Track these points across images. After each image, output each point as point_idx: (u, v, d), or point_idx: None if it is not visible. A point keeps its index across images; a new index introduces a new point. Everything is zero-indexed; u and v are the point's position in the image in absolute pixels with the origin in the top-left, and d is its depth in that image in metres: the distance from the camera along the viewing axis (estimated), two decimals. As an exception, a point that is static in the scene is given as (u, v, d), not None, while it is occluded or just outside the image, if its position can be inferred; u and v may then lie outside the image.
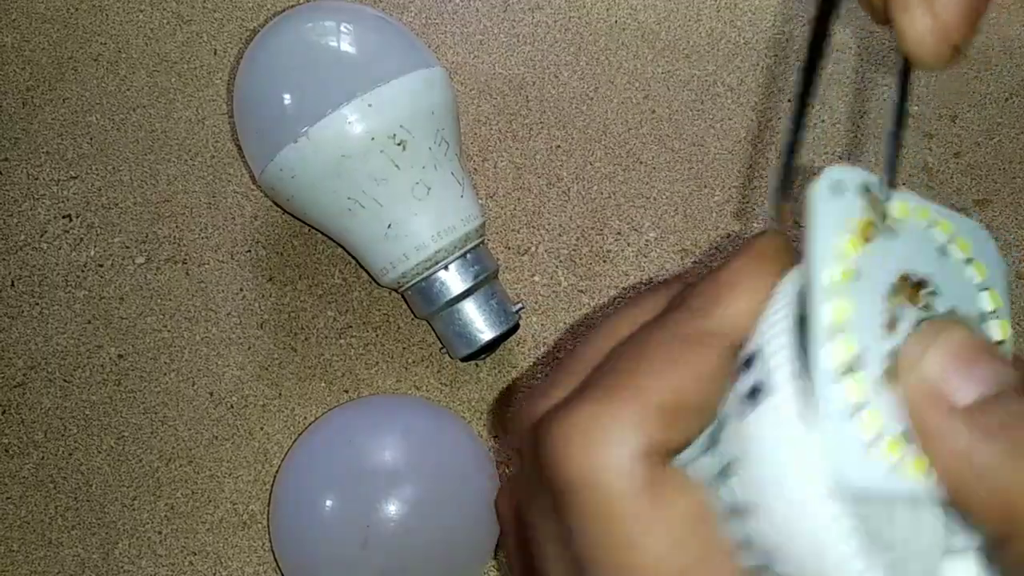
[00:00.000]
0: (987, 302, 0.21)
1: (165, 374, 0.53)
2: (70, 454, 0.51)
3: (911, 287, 0.20)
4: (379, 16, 0.49)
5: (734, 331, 0.20)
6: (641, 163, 0.57)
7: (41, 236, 0.55)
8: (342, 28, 0.47)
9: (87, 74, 0.57)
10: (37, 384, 0.52)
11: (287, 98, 0.45)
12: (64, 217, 0.55)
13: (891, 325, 0.19)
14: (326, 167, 0.45)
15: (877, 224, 0.21)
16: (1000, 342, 0.21)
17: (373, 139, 0.45)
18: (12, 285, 0.54)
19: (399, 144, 0.45)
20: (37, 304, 0.53)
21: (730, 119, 0.58)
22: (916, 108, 0.58)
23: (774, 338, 0.19)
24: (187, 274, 0.54)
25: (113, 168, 0.56)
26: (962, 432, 0.17)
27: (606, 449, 0.17)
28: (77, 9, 0.59)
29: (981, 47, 0.60)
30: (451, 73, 0.57)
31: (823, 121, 0.58)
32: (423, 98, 0.46)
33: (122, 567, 0.50)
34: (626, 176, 0.56)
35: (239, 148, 0.56)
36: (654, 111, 0.58)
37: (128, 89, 0.57)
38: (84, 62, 0.58)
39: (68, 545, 0.50)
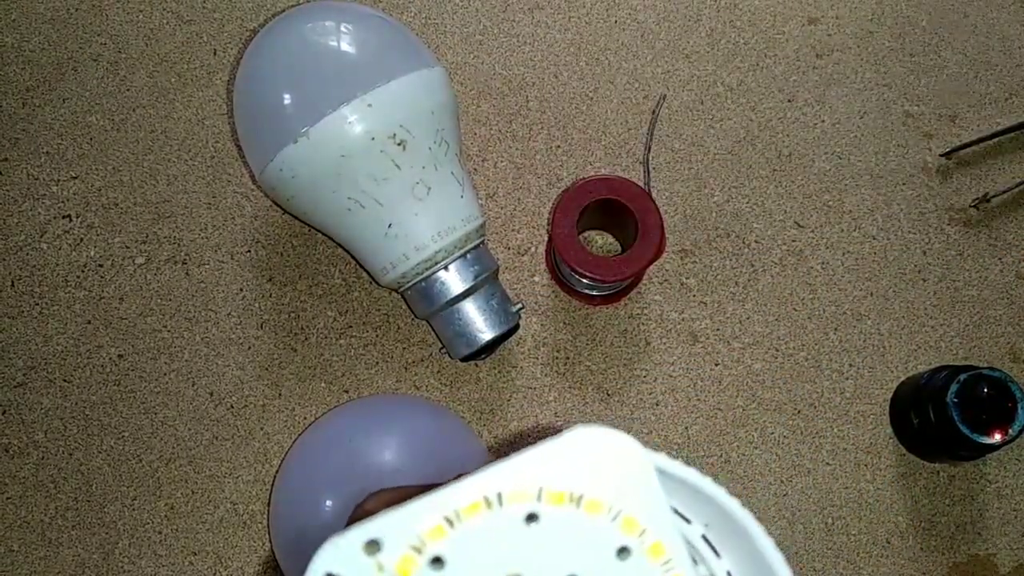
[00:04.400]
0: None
1: (165, 374, 0.53)
2: (70, 454, 0.51)
3: None
4: (379, 16, 0.49)
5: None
6: (641, 163, 0.57)
7: (41, 236, 0.55)
8: (342, 28, 0.47)
9: (87, 74, 0.57)
10: (37, 384, 0.52)
11: (287, 98, 0.45)
12: (64, 217, 0.55)
13: None
14: (326, 167, 0.45)
15: None
16: None
17: (373, 139, 0.45)
18: (12, 285, 0.54)
19: (399, 144, 0.45)
20: (37, 304, 0.53)
21: (730, 119, 0.58)
22: (916, 108, 0.59)
23: None
24: (187, 274, 0.54)
25: (113, 168, 0.56)
26: None
27: None
28: (77, 9, 0.59)
29: (981, 47, 0.60)
30: (451, 73, 0.57)
31: (823, 121, 0.58)
32: (423, 98, 0.46)
33: (122, 567, 0.50)
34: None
35: (239, 148, 0.56)
36: (654, 111, 0.58)
37: (128, 89, 0.57)
38: (84, 62, 0.58)
39: (68, 545, 0.50)
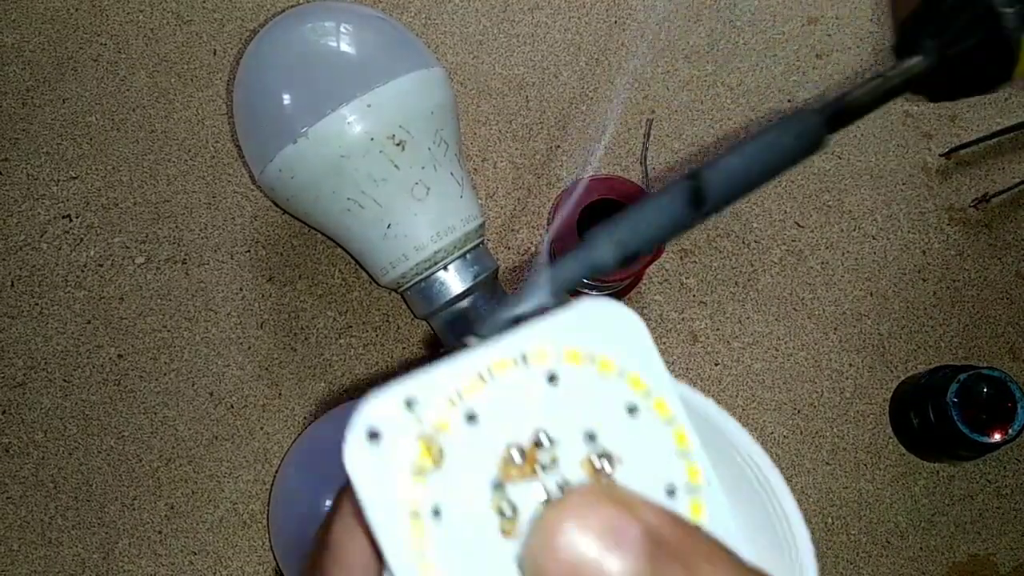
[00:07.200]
0: (683, 473, 0.19)
1: (165, 374, 0.53)
2: (70, 454, 0.51)
3: (524, 456, 0.19)
4: (379, 16, 0.49)
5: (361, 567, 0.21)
6: (641, 163, 0.57)
7: (41, 236, 0.55)
8: (342, 28, 0.47)
9: (87, 74, 0.57)
10: (37, 384, 0.52)
11: (287, 98, 0.45)
12: (64, 217, 0.55)
13: (507, 524, 0.18)
14: (326, 167, 0.45)
15: (435, 439, 0.19)
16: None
17: (372, 139, 0.45)
18: (12, 285, 0.54)
19: (398, 144, 0.45)
20: (37, 304, 0.53)
21: (730, 119, 0.58)
22: (916, 108, 0.58)
23: None
24: (187, 274, 0.54)
25: (113, 168, 0.56)
26: None
27: None
28: (77, 9, 0.59)
29: (981, 47, 0.60)
30: (451, 73, 0.57)
31: (823, 121, 0.58)
32: (422, 98, 0.46)
33: (122, 567, 0.50)
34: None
35: (239, 148, 0.56)
36: (654, 111, 0.58)
37: (128, 89, 0.57)
38: (84, 62, 0.58)
39: (68, 545, 0.50)
